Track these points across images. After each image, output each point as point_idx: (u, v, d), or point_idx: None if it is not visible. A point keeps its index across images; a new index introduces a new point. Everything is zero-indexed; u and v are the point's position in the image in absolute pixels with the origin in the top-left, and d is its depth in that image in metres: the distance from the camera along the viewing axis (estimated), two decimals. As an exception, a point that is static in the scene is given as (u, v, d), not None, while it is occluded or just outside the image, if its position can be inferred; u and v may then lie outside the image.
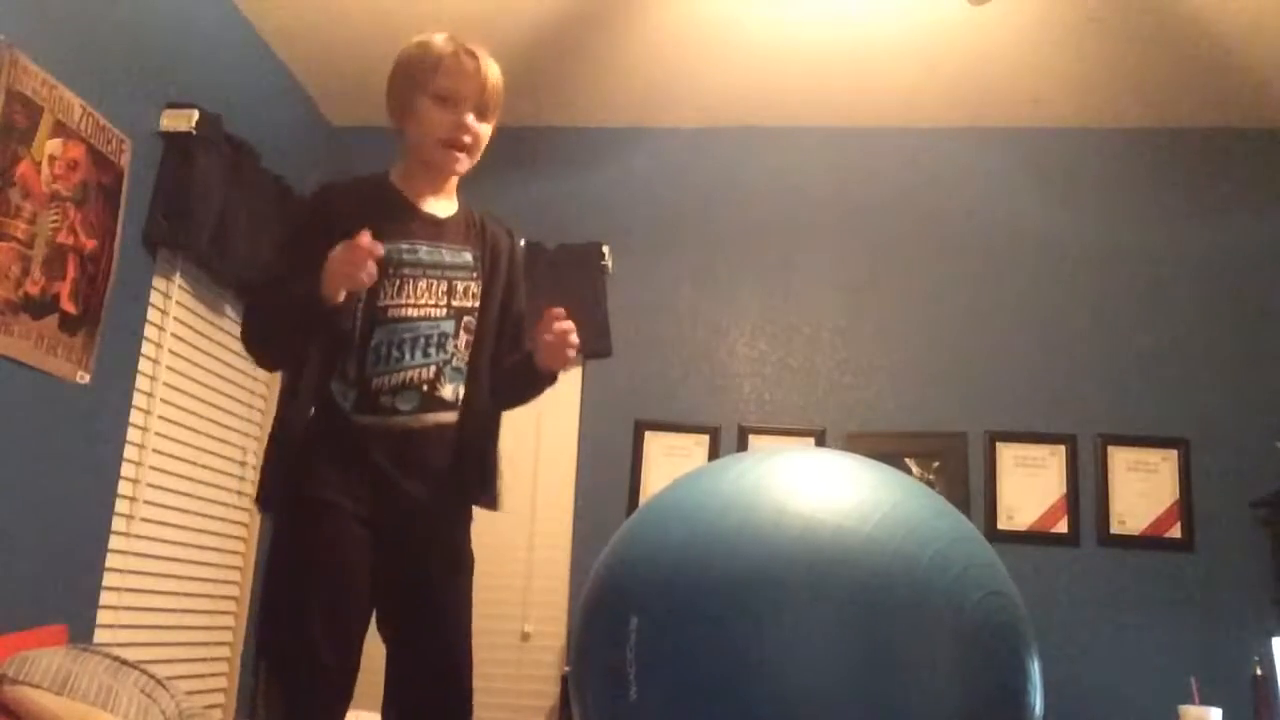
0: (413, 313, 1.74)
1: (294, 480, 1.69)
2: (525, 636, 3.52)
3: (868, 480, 1.48)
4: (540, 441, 3.69)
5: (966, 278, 3.66)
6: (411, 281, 1.74)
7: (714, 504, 1.45)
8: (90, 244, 2.59)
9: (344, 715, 1.66)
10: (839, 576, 1.32)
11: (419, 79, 1.78)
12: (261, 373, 3.53)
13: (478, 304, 1.83)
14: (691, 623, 1.35)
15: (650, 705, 1.37)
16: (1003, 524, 3.42)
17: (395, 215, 1.77)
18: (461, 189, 1.87)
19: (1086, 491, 3.42)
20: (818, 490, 1.44)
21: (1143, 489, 3.39)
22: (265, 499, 1.77)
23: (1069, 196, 3.68)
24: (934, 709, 1.30)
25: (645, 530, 1.55)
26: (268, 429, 3.85)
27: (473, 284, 1.82)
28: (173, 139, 2.88)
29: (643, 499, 3.60)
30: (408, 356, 1.73)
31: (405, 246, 1.74)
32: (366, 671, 1.68)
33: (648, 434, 3.65)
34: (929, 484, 3.16)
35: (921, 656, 1.31)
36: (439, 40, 1.80)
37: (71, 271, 2.52)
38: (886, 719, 1.28)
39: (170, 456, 3.02)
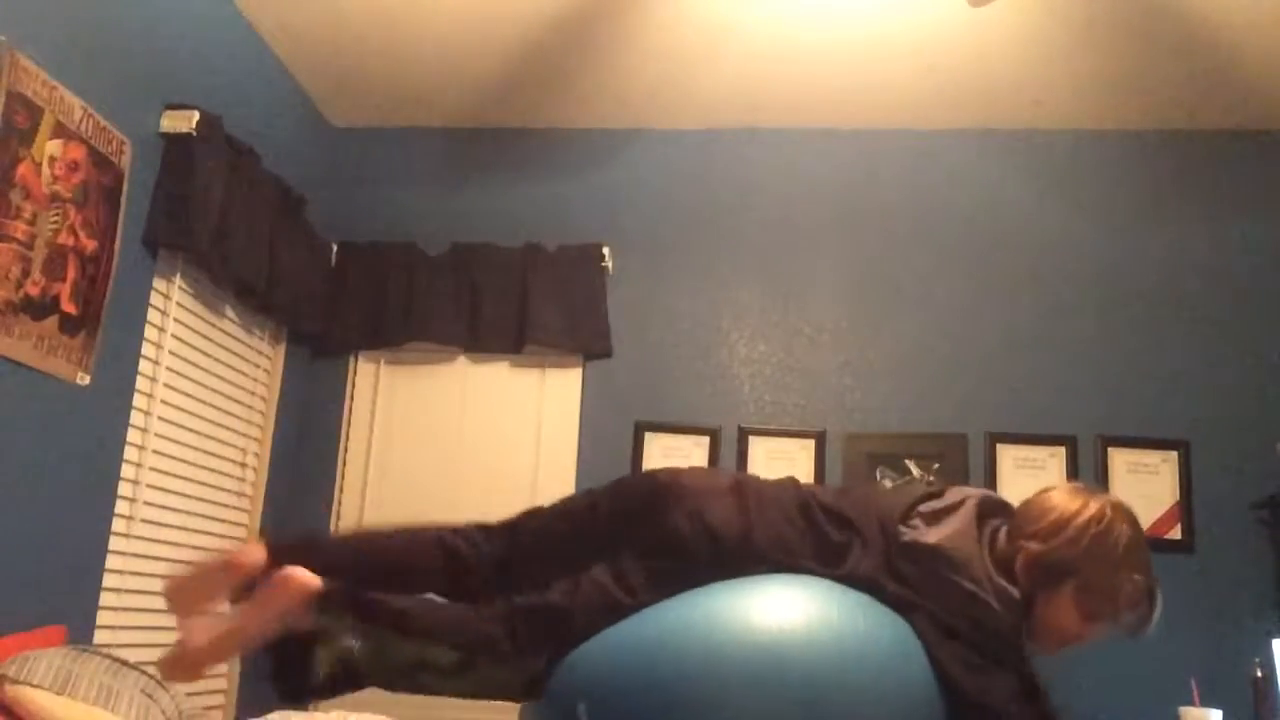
0: None
1: None
2: (525, 637, 3.52)
3: (808, 594, 1.52)
4: (540, 442, 3.69)
5: (967, 278, 3.66)
6: None
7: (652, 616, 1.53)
8: (90, 245, 2.59)
9: None
10: (777, 674, 1.39)
11: None
12: (261, 374, 3.53)
13: None
14: (637, 712, 1.41)
15: None
16: (1003, 525, 3.41)
17: None
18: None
19: (1086, 492, 3.41)
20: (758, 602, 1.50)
21: (1143, 490, 3.38)
22: None
23: (1069, 198, 3.68)
24: None
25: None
26: (268, 429, 3.83)
27: None
28: (173, 140, 2.88)
29: (643, 499, 3.59)
30: None
31: None
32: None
33: (648, 434, 3.64)
34: (929, 484, 3.14)
35: None
36: None
37: (72, 272, 2.52)
38: None
39: (170, 457, 3.02)
